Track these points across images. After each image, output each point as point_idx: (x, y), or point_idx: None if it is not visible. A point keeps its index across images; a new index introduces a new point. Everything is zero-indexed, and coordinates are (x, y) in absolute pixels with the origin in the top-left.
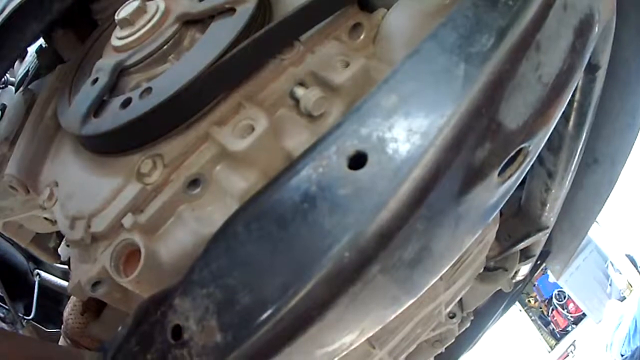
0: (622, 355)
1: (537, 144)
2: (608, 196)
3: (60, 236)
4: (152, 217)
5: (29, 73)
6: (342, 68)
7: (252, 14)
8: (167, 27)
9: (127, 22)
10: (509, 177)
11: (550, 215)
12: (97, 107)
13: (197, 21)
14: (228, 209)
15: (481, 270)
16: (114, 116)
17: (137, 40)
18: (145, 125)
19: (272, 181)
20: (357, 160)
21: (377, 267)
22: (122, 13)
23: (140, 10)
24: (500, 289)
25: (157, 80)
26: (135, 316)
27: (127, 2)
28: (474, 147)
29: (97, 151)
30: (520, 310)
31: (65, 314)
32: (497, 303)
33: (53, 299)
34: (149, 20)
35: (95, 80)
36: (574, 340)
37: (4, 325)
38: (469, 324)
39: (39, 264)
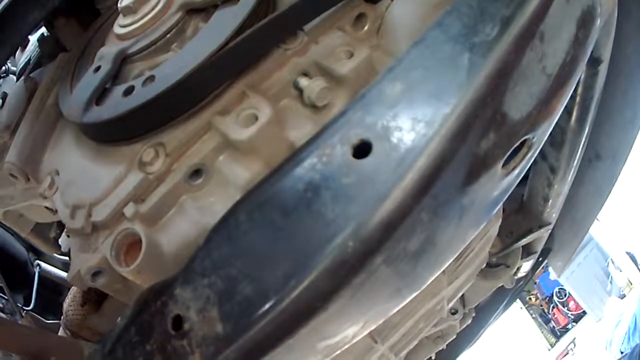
0: (621, 353)
1: (541, 136)
2: (609, 193)
3: (60, 226)
4: (153, 207)
5: (31, 61)
6: (346, 58)
7: (255, 3)
8: (170, 16)
9: (129, 10)
10: (513, 169)
11: (552, 212)
12: (100, 95)
13: (201, 10)
14: (230, 199)
15: (484, 266)
16: (116, 104)
17: (140, 29)
18: (147, 114)
19: (276, 170)
20: (362, 149)
21: (381, 257)
22: (125, 1)
23: None
24: (502, 286)
25: (160, 68)
26: (136, 306)
27: None
28: (479, 137)
29: (99, 139)
30: (521, 308)
31: (65, 305)
32: (498, 300)
33: (53, 290)
34: (152, 9)
35: (98, 68)
36: (574, 338)
37: (2, 315)
38: (470, 321)
39: (39, 255)
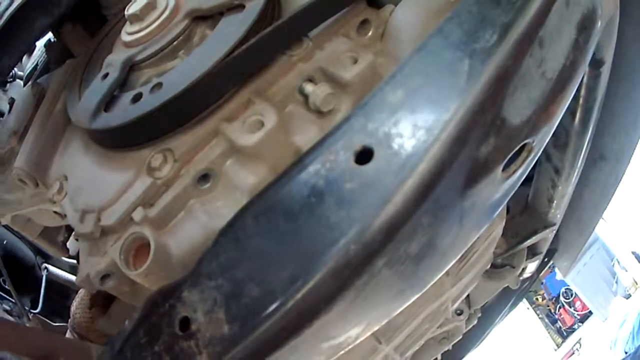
0: (625, 353)
1: (541, 140)
2: (614, 193)
3: (68, 230)
4: (162, 211)
5: (38, 67)
6: (350, 64)
7: (261, 10)
8: (177, 23)
9: (137, 17)
10: (513, 173)
11: (557, 212)
12: (108, 101)
13: (207, 17)
14: (237, 204)
15: (488, 267)
16: (124, 111)
17: (147, 36)
18: (155, 120)
19: (281, 175)
20: (364, 155)
21: (383, 260)
22: (132, 8)
23: (150, 6)
24: (508, 286)
25: (167, 75)
26: (144, 308)
27: None
28: (478, 142)
29: (107, 145)
30: (528, 308)
31: (73, 308)
32: (504, 300)
33: (60, 293)
34: (159, 16)
35: (106, 75)
36: (580, 339)
37: (10, 317)
38: (476, 321)
39: (46, 258)
